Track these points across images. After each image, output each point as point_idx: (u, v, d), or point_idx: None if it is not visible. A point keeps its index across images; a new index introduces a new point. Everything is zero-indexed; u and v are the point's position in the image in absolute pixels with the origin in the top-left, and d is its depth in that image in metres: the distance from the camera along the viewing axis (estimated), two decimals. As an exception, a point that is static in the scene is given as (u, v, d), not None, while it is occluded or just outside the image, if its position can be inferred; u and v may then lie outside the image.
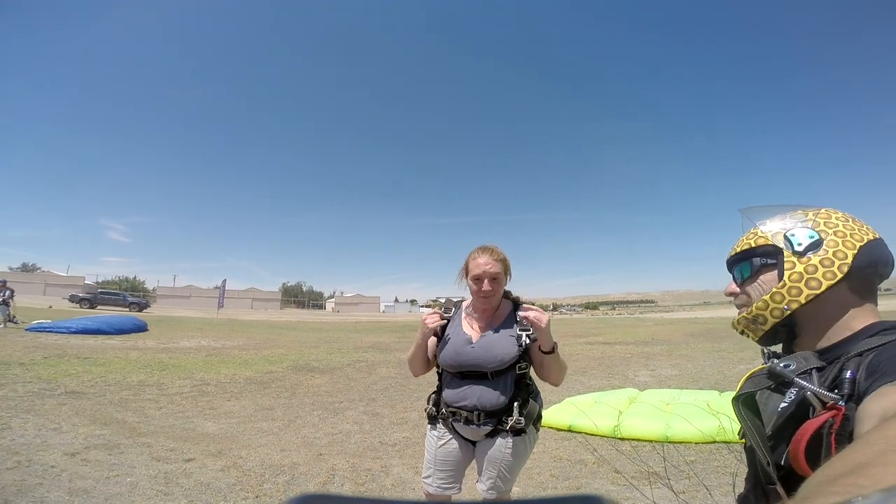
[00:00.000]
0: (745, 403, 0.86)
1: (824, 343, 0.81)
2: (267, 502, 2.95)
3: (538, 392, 1.92)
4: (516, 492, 2.96)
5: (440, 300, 2.11)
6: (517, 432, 1.78)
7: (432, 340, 1.99)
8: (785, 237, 0.86)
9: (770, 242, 0.87)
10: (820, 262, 0.81)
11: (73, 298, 32.91)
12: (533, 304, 1.95)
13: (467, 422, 1.79)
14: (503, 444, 1.78)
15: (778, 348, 0.91)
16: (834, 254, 0.80)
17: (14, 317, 14.45)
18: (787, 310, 0.84)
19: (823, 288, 0.80)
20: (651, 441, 4.07)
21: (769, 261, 0.87)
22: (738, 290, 0.94)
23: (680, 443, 3.99)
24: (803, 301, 0.82)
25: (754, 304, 0.88)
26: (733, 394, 0.90)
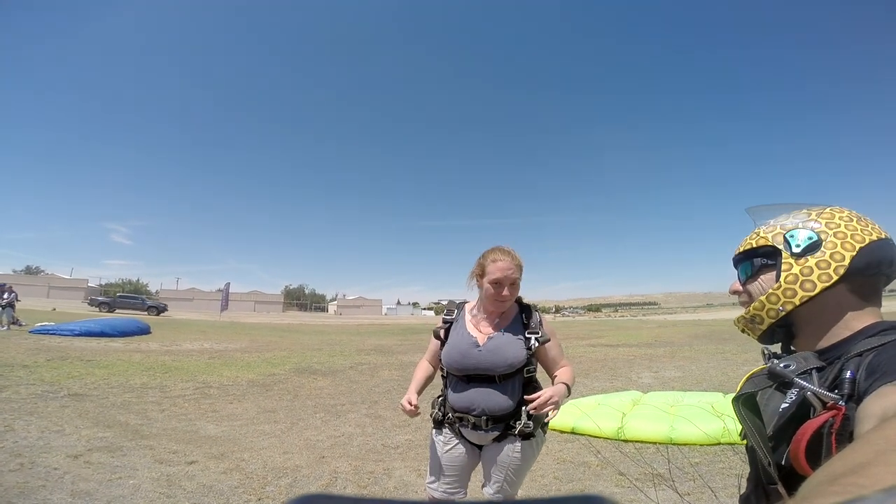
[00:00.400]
0: (746, 404, 0.86)
1: (823, 343, 0.81)
2: (269, 505, 2.94)
3: None
4: (519, 494, 2.96)
5: (443, 303, 2.07)
6: (525, 436, 1.75)
7: (435, 343, 1.96)
8: (784, 238, 0.85)
9: (770, 243, 0.87)
10: (816, 264, 0.80)
11: (92, 302, 33.55)
12: (538, 309, 1.93)
13: (475, 427, 1.75)
14: (511, 449, 1.74)
15: (777, 348, 0.91)
16: (831, 256, 0.80)
17: (17, 319, 14.51)
18: (781, 311, 0.84)
19: (817, 290, 0.80)
20: (655, 443, 4.05)
21: (768, 261, 0.87)
22: (740, 288, 0.94)
23: (684, 445, 3.97)
24: (797, 303, 0.82)
25: (752, 305, 0.89)
26: (734, 395, 0.91)
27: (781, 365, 0.79)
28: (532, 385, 1.80)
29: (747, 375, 0.94)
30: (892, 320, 0.78)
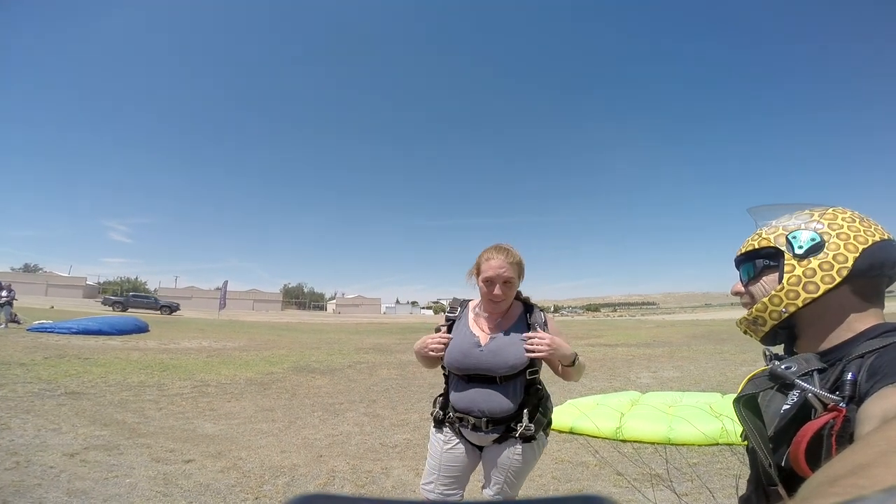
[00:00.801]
0: (747, 405, 0.86)
1: (825, 345, 0.81)
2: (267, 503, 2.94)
3: (548, 396, 1.85)
4: (518, 494, 2.95)
5: (442, 302, 2.04)
6: (527, 439, 1.72)
7: None
8: (787, 239, 0.85)
9: (772, 244, 0.87)
10: (819, 265, 0.80)
11: (105, 301, 33.92)
12: (541, 309, 1.89)
13: (475, 428, 1.72)
14: (512, 451, 1.72)
15: (780, 349, 0.90)
16: (834, 257, 0.79)
17: (15, 316, 14.49)
18: (784, 312, 0.83)
19: (820, 292, 0.79)
20: (653, 443, 4.06)
21: (771, 263, 0.87)
22: (742, 289, 0.94)
23: (682, 445, 3.97)
24: (800, 304, 0.81)
25: (754, 306, 0.88)
26: (735, 396, 0.90)
27: (783, 366, 0.79)
28: (535, 387, 1.77)
29: (748, 376, 0.93)
30: (894, 322, 0.78)
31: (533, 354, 1.69)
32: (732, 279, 0.99)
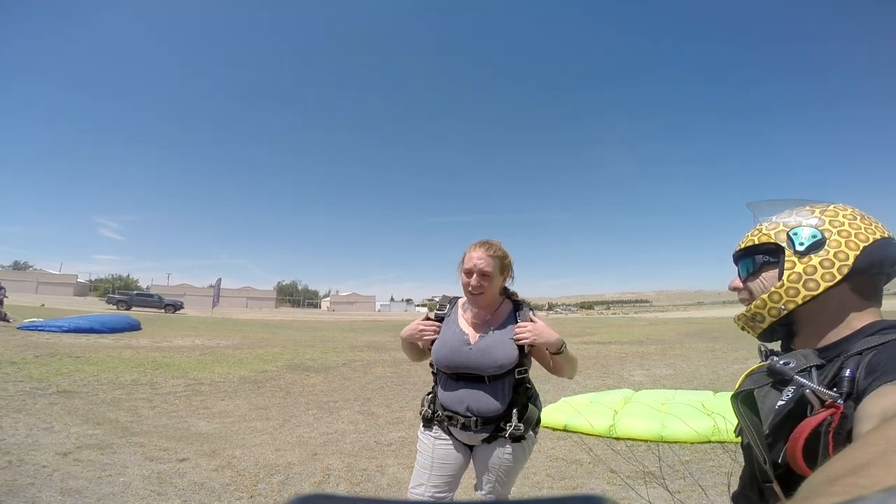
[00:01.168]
0: (745, 401, 0.85)
1: (824, 342, 0.81)
2: (261, 502, 2.93)
3: (537, 395, 1.84)
4: (513, 492, 2.96)
5: (436, 300, 2.02)
6: (516, 438, 1.71)
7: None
8: (788, 235, 0.84)
9: (772, 240, 0.86)
10: (820, 262, 0.79)
11: (110, 300, 33.92)
12: (531, 307, 1.88)
13: (464, 427, 1.71)
14: (502, 451, 1.71)
15: (775, 345, 0.90)
16: (835, 255, 0.79)
17: (5, 314, 14.32)
18: (784, 309, 0.83)
19: (821, 290, 0.79)
20: (646, 441, 4.08)
21: (771, 259, 0.86)
22: (741, 285, 0.93)
23: (675, 443, 4.00)
24: (800, 302, 0.81)
25: (753, 303, 0.88)
26: (728, 394, 0.90)
27: (781, 362, 0.78)
28: (524, 386, 1.77)
29: (747, 372, 0.93)
30: (893, 319, 0.78)
31: (520, 341, 1.70)
32: (725, 278, 0.98)
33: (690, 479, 3.24)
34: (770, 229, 0.87)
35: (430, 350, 1.86)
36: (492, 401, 1.69)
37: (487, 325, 1.80)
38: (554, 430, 4.51)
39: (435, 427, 1.83)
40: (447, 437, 1.80)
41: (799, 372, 0.75)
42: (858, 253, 0.78)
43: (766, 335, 0.90)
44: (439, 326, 1.83)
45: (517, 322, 1.80)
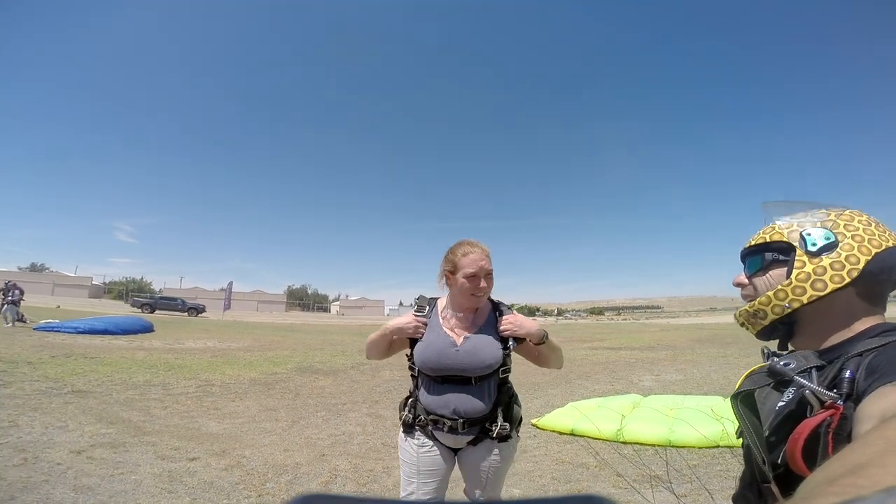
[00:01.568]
0: (744, 402, 0.85)
1: (824, 344, 0.81)
2: (270, 501, 2.96)
3: (517, 395, 1.83)
4: (517, 494, 2.97)
5: (424, 298, 1.91)
6: (503, 438, 1.70)
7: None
8: (801, 235, 0.84)
9: (785, 239, 0.86)
10: (830, 264, 0.79)
11: (134, 303, 34.82)
12: (509, 307, 1.86)
13: (451, 430, 1.67)
14: (489, 452, 1.70)
15: (775, 345, 0.90)
16: (846, 258, 0.79)
17: (22, 315, 14.60)
18: (788, 308, 0.83)
19: (828, 291, 0.79)
20: (654, 445, 4.05)
21: (781, 257, 0.86)
22: (746, 280, 0.93)
23: (683, 447, 3.97)
24: (805, 301, 0.81)
25: (757, 299, 0.87)
26: (733, 392, 0.90)
27: (781, 363, 0.78)
28: (507, 386, 1.76)
29: (747, 372, 0.93)
30: (894, 322, 0.78)
31: (508, 333, 1.70)
32: (742, 269, 0.96)
33: (697, 483, 3.21)
34: (783, 228, 0.87)
35: (403, 351, 1.84)
36: (478, 402, 1.68)
37: (471, 326, 1.77)
38: (561, 433, 4.50)
39: (417, 433, 1.77)
40: (431, 442, 1.75)
41: (799, 373, 0.75)
42: (870, 258, 0.78)
43: (765, 333, 0.89)
44: (425, 323, 1.79)
45: (497, 321, 1.78)
